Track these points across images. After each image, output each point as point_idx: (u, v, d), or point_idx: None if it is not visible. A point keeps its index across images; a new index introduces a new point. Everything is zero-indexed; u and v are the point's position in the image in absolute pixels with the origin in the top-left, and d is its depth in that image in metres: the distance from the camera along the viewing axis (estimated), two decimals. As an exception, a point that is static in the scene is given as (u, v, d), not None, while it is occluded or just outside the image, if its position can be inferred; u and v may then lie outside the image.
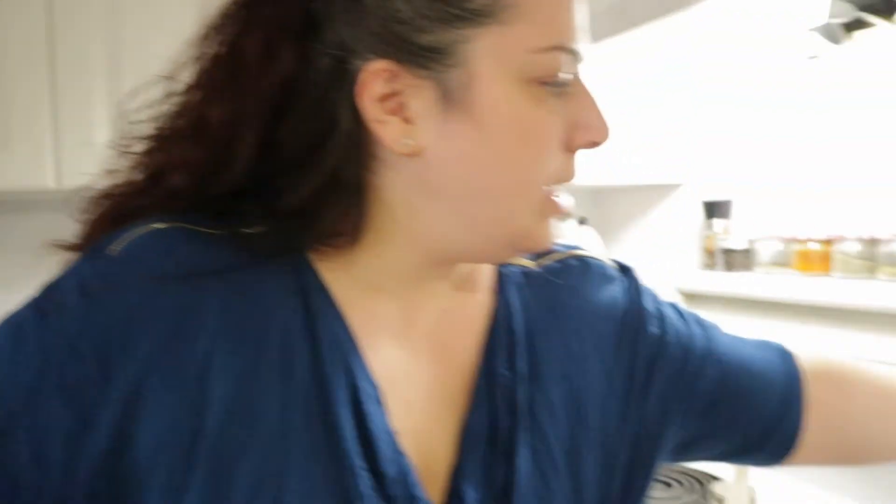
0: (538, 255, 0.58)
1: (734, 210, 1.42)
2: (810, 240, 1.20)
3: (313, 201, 0.46)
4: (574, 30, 0.47)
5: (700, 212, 1.45)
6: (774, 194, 1.36)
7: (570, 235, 1.58)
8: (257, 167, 0.46)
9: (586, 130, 0.48)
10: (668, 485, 1.19)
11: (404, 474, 0.46)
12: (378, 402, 0.47)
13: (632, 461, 0.55)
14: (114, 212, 0.49)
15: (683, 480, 1.20)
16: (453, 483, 0.49)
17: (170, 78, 0.48)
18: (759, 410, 0.58)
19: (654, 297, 0.60)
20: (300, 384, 0.45)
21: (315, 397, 0.45)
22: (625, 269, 0.61)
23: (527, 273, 0.57)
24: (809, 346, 0.93)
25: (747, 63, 1.36)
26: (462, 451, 0.50)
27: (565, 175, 0.49)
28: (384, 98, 0.45)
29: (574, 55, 0.47)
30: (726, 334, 0.62)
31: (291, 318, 0.46)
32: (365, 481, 0.45)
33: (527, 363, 0.53)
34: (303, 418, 0.45)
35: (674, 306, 0.61)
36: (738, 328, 0.64)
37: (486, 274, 0.55)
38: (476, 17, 0.45)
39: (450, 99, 0.45)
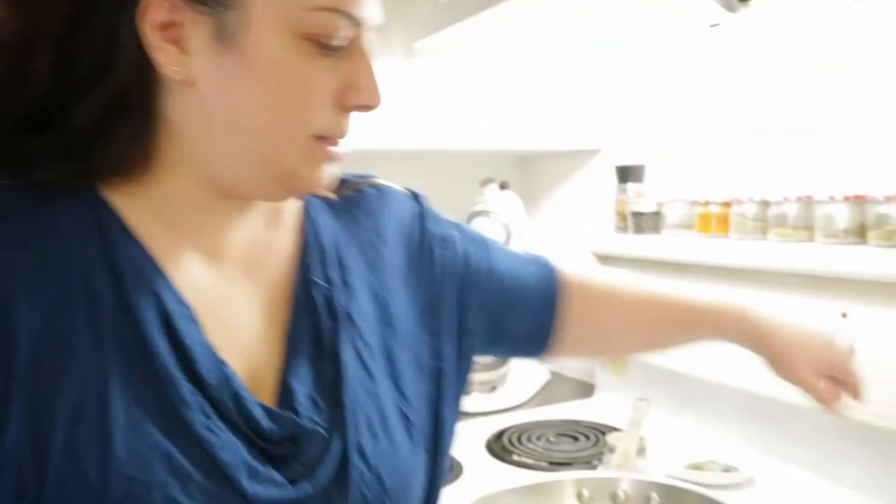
0: (338, 186, 0.64)
1: (647, 175, 1.47)
2: (711, 202, 1.26)
3: (100, 124, 0.48)
4: None
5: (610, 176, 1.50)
6: (685, 159, 1.41)
7: (493, 200, 1.62)
8: (52, 90, 0.48)
9: (358, 93, 0.52)
10: (576, 439, 1.25)
11: (227, 380, 0.50)
12: (191, 319, 0.50)
13: (439, 364, 0.62)
14: None
15: (590, 434, 1.26)
16: (283, 382, 0.53)
17: None
18: (528, 318, 0.71)
19: (440, 220, 0.69)
20: (108, 313, 0.48)
21: (125, 324, 0.48)
22: (415, 196, 0.69)
23: (328, 202, 0.63)
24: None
25: (658, 32, 1.38)
26: (288, 354, 0.54)
27: (336, 131, 0.52)
28: (164, 27, 0.48)
29: (352, 20, 0.50)
30: (504, 251, 0.72)
31: (91, 251, 0.49)
32: (187, 389, 0.48)
33: (339, 275, 0.59)
34: (115, 346, 0.48)
35: (458, 227, 0.70)
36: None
37: (292, 204, 0.60)
38: None
39: (225, 38, 0.48)
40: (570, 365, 1.72)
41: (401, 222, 0.65)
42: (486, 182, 1.63)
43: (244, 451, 0.49)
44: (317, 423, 0.52)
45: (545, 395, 1.53)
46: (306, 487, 0.50)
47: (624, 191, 1.45)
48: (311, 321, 0.56)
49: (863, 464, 1.03)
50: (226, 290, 0.54)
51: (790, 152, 1.20)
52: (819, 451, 1.07)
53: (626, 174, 1.45)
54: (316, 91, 0.50)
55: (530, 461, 1.16)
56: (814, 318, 1.06)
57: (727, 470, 1.10)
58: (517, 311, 0.70)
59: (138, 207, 0.51)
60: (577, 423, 1.32)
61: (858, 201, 1.05)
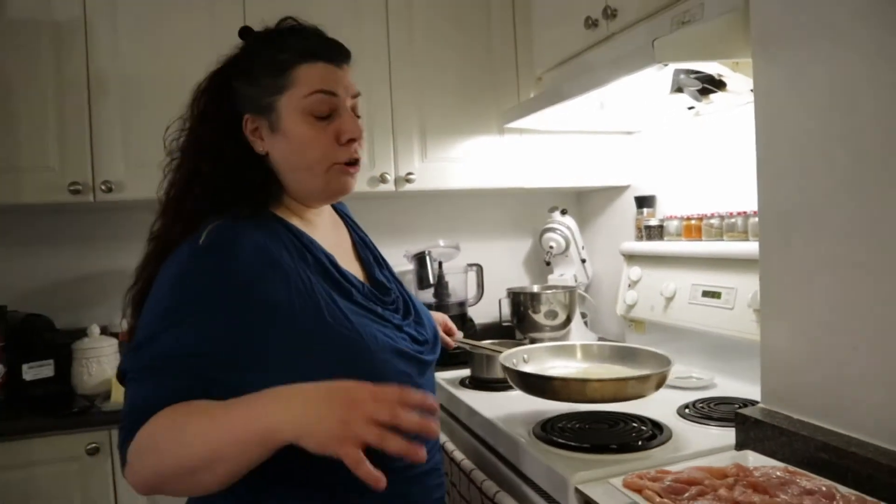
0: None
1: (657, 202, 2.18)
2: (692, 218, 1.97)
3: (261, 183, 0.94)
4: (326, 80, 0.91)
5: (633, 203, 2.21)
6: (682, 190, 2.12)
7: (557, 220, 2.35)
8: (241, 176, 0.93)
9: (345, 133, 0.93)
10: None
11: (362, 283, 1.00)
12: (336, 263, 0.98)
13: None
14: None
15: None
16: (373, 280, 1.06)
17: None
18: None
19: None
20: (310, 261, 0.92)
21: (317, 265, 0.93)
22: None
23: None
24: (692, 284, 1.72)
25: (655, 113, 2.10)
26: (370, 275, 1.09)
27: (347, 157, 0.95)
28: (252, 130, 0.95)
29: (328, 93, 0.91)
30: None
31: (287, 239, 0.93)
32: (356, 286, 0.97)
33: (369, 239, 1.17)
34: (316, 275, 0.92)
35: None
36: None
37: (336, 215, 1.15)
38: (282, 90, 0.92)
39: (274, 128, 0.93)
40: (608, 330, 2.35)
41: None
42: (552, 209, 2.36)
43: (379, 305, 0.99)
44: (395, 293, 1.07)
45: (592, 348, 2.22)
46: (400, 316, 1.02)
47: (641, 213, 2.18)
48: (376, 264, 1.11)
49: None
50: (333, 251, 0.99)
51: (738, 184, 1.91)
52: (745, 368, 1.65)
53: (642, 202, 2.17)
54: (321, 140, 0.91)
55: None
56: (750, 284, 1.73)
57: (699, 379, 1.78)
58: None
59: (290, 216, 0.97)
60: (611, 359, 2.01)
61: (772, 215, 1.73)
